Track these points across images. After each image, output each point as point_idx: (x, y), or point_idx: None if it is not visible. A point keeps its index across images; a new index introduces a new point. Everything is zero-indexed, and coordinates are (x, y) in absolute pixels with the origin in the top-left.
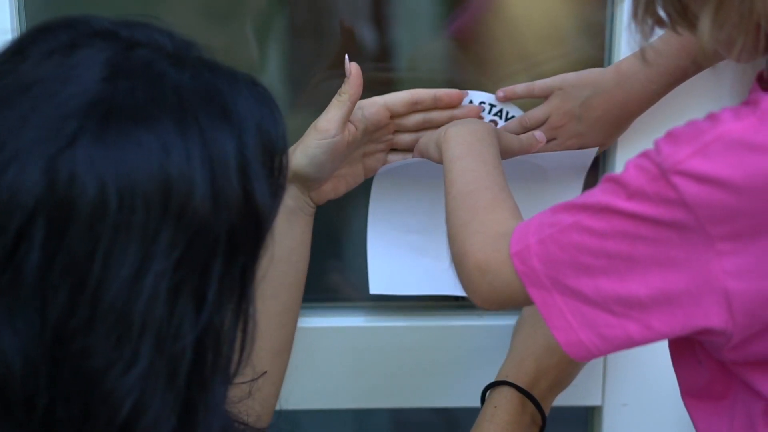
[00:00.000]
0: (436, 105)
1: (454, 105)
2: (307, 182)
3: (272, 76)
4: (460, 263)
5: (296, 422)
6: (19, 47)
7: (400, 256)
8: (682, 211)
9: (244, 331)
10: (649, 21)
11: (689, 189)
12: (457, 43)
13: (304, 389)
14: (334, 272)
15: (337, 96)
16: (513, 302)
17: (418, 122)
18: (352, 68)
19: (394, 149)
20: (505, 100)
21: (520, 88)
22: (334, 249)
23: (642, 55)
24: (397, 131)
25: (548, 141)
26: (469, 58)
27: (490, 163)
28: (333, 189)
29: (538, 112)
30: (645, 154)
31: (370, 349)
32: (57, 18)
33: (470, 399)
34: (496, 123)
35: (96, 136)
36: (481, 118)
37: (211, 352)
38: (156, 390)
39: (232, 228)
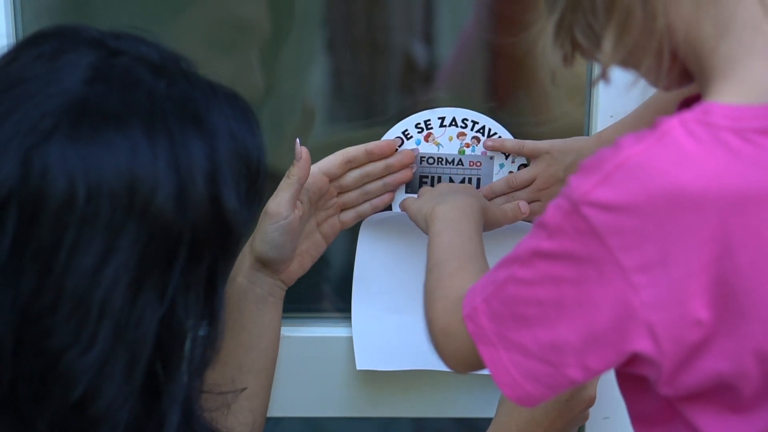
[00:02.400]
0: (369, 159)
1: (387, 155)
2: (272, 266)
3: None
4: (429, 331)
5: (322, 428)
6: (13, 53)
7: (385, 334)
8: (594, 242)
9: (212, 328)
10: (565, 44)
11: (597, 218)
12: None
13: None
14: (332, 283)
15: (285, 178)
16: (478, 363)
17: (356, 179)
18: (303, 152)
19: (344, 209)
20: (493, 150)
21: (510, 143)
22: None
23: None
24: (340, 193)
25: (532, 202)
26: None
27: (465, 235)
28: (300, 266)
29: (524, 174)
30: (561, 192)
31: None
32: (50, 26)
33: (480, 410)
34: (478, 140)
35: (69, 134)
36: (414, 160)
37: (176, 345)
38: (113, 375)
39: (198, 228)
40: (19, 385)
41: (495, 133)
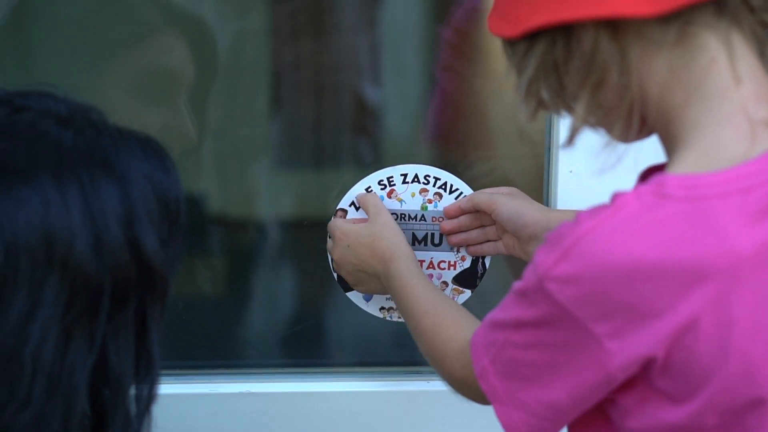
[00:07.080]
0: None
1: None
2: None
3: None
4: (446, 379)
5: None
6: None
7: None
8: (563, 313)
9: (146, 372)
10: (532, 101)
11: (561, 293)
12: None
13: None
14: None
15: None
16: None
17: None
18: None
19: None
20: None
21: (453, 208)
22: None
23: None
24: None
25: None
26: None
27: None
28: None
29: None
30: (532, 260)
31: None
32: None
33: None
34: (440, 195)
35: None
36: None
37: (113, 390)
38: (51, 428)
39: (118, 272)
40: None
41: (457, 189)
